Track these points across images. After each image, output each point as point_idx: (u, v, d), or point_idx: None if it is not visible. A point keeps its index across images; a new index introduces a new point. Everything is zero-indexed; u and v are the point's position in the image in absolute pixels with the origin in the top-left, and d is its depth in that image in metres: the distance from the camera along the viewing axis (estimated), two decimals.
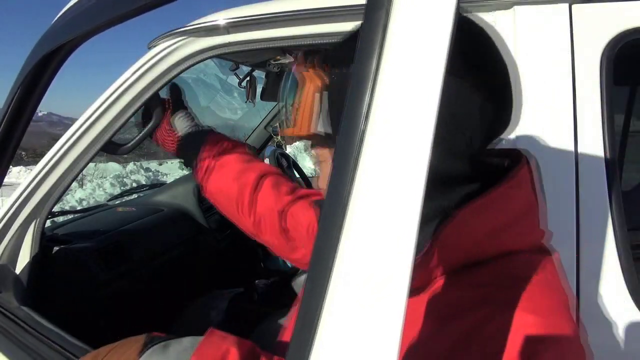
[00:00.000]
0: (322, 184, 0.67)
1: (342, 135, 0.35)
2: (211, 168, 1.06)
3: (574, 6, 0.81)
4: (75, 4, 0.67)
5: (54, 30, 0.71)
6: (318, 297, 0.35)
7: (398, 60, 0.34)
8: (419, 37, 0.34)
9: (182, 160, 1.14)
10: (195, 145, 1.08)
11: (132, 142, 1.20)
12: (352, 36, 0.57)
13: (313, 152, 0.72)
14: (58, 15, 0.74)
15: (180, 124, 1.13)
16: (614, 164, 0.77)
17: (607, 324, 0.73)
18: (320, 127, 0.59)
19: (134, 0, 0.48)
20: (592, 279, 0.74)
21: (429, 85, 0.33)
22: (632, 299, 0.73)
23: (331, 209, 0.36)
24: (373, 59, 0.34)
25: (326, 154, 0.64)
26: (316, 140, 0.64)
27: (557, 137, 0.78)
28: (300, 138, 0.68)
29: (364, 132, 0.34)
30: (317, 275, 0.36)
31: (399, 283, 0.34)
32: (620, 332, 0.73)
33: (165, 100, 1.17)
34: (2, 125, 0.86)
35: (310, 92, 0.59)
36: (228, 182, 1.05)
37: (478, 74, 0.51)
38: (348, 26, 1.02)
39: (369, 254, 0.35)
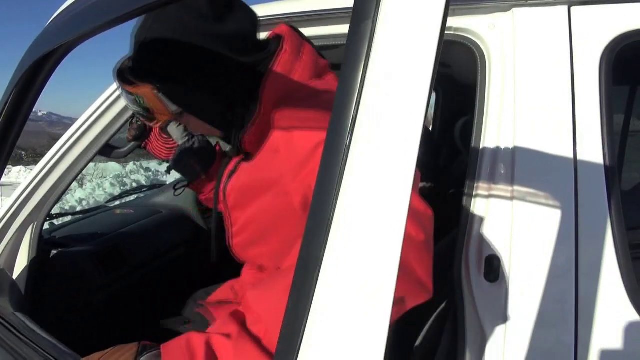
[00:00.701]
0: (204, 130, 0.93)
1: (327, 150, 0.35)
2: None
3: (572, 8, 0.81)
4: (67, 7, 0.66)
5: (47, 34, 0.71)
6: (303, 306, 0.36)
7: (384, 70, 0.34)
8: (406, 46, 0.33)
9: (171, 166, 1.13)
10: (204, 160, 1.09)
11: (128, 147, 1.20)
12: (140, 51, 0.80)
13: (182, 126, 1.07)
14: (51, 19, 0.74)
15: (177, 133, 1.12)
16: (613, 164, 0.77)
17: (604, 324, 0.73)
18: (173, 108, 0.85)
19: (126, 5, 0.48)
20: (591, 279, 0.74)
21: (415, 101, 0.33)
22: (630, 299, 0.73)
23: (316, 220, 0.36)
24: (359, 69, 0.34)
25: (188, 118, 0.89)
26: (177, 118, 0.89)
27: (557, 138, 0.78)
28: (167, 125, 1.01)
29: (349, 146, 0.34)
30: (302, 284, 0.36)
31: (386, 290, 0.34)
32: (617, 331, 0.72)
33: None
34: None
35: (150, 95, 0.83)
36: None
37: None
38: (347, 29, 1.02)
39: (357, 264, 0.35)
